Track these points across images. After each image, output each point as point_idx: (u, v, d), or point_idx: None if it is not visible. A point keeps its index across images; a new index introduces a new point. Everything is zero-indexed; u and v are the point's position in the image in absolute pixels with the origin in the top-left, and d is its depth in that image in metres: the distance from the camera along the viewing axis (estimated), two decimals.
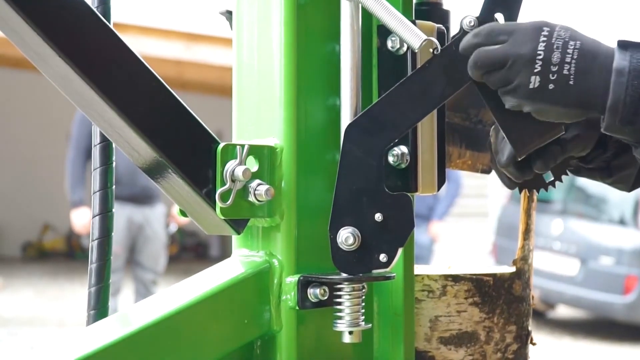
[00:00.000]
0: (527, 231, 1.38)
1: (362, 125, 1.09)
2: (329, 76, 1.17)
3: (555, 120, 1.09)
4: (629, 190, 1.34)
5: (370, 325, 1.17)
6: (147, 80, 1.06)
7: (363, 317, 1.13)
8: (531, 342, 1.37)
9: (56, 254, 16.62)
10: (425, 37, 1.09)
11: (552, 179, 1.25)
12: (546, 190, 1.25)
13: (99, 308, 1.30)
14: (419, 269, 1.29)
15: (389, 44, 1.18)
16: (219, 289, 1.11)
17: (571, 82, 1.04)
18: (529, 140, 1.12)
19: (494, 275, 1.32)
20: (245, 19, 1.20)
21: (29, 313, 10.35)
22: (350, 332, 1.12)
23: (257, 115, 1.18)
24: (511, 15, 1.11)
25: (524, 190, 1.30)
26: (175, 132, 1.08)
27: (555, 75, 1.05)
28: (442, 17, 1.24)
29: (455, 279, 1.29)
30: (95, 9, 1.08)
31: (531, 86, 1.05)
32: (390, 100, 1.10)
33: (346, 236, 1.07)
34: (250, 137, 1.17)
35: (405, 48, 1.16)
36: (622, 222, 9.54)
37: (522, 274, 1.35)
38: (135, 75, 1.05)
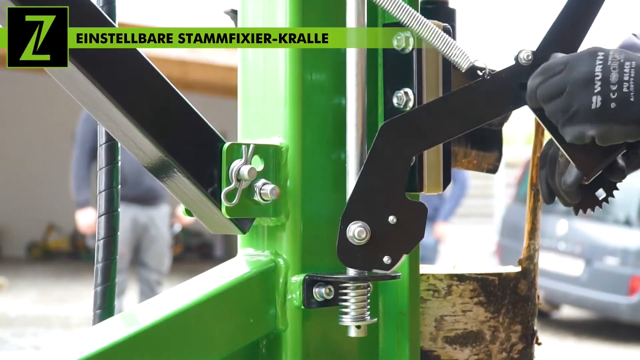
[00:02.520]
0: (532, 230, 1.38)
1: (398, 126, 1.09)
2: (334, 75, 1.17)
3: (618, 142, 1.09)
4: None
5: (375, 319, 1.17)
6: (153, 80, 1.06)
7: (369, 312, 1.13)
8: (537, 342, 1.37)
9: (61, 254, 16.63)
10: (474, 58, 1.11)
11: (604, 195, 1.25)
12: (600, 207, 1.26)
13: (105, 307, 1.30)
14: (424, 269, 1.29)
15: (395, 42, 1.18)
16: (225, 288, 1.11)
17: (632, 99, 1.05)
18: (596, 163, 1.14)
19: (499, 275, 1.32)
20: (250, 17, 1.20)
21: (33, 313, 10.35)
22: (358, 327, 1.12)
23: (262, 115, 1.18)
24: (569, 52, 1.12)
25: (530, 191, 1.31)
26: (181, 131, 1.08)
27: (616, 93, 1.05)
28: (448, 15, 1.24)
29: (461, 278, 1.29)
30: (100, 9, 1.08)
31: (593, 106, 1.06)
32: (431, 110, 1.11)
33: (358, 230, 1.07)
34: (256, 136, 1.17)
35: (410, 47, 1.16)
36: (627, 222, 9.53)
37: (527, 274, 1.35)
38: (141, 75, 1.05)
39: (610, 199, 1.25)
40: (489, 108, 1.12)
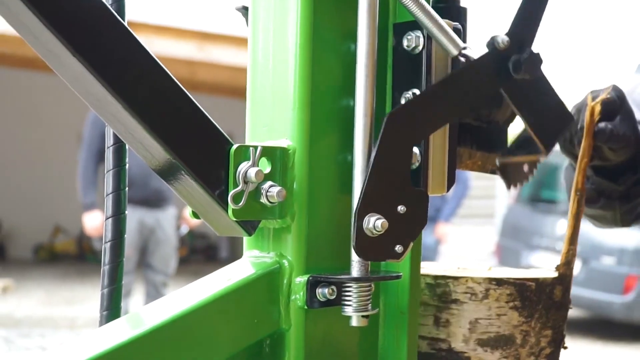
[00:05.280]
0: (573, 236, 1.38)
1: (403, 115, 1.11)
2: (344, 76, 1.17)
3: None
4: (629, 224, 1.59)
5: (377, 309, 1.19)
6: (161, 81, 1.06)
7: (370, 305, 1.14)
8: (563, 346, 1.37)
9: (67, 256, 16.66)
10: (463, 45, 1.15)
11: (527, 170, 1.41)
12: (527, 181, 1.41)
13: (112, 309, 1.30)
14: (464, 270, 1.33)
15: (405, 43, 1.18)
16: (230, 290, 1.11)
17: None
18: (555, 131, 1.28)
19: (536, 280, 1.32)
20: (261, 16, 1.20)
21: (40, 315, 10.37)
22: (365, 317, 1.13)
23: (270, 117, 1.18)
24: (534, 29, 1.22)
25: (574, 196, 1.41)
26: (189, 133, 1.08)
27: None
28: (458, 14, 1.24)
29: (499, 282, 1.29)
30: (109, 7, 1.07)
31: None
32: (426, 99, 1.14)
33: (381, 222, 1.08)
34: (263, 138, 1.18)
35: (420, 47, 1.16)
36: None
37: (564, 279, 1.35)
38: (150, 76, 1.05)
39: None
40: (475, 94, 1.17)
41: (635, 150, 1.48)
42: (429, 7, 1.13)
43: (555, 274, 1.35)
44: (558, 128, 1.29)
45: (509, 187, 1.40)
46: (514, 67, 1.17)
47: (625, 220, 1.60)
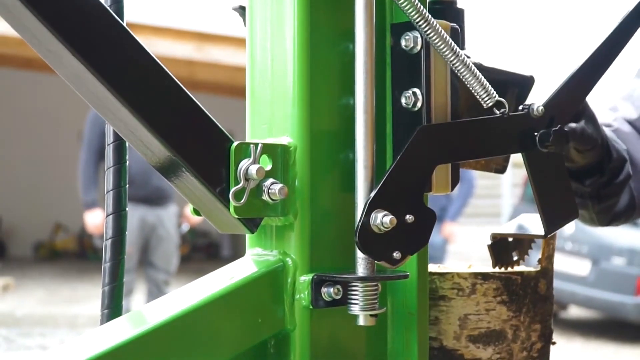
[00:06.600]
0: None
1: (434, 133, 1.13)
2: (343, 74, 1.17)
3: None
4: (606, 224, 1.55)
5: (385, 308, 1.18)
6: (161, 79, 1.06)
7: (377, 304, 1.13)
8: (552, 342, 1.38)
9: (68, 253, 16.69)
10: (497, 96, 1.16)
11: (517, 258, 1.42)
12: (512, 268, 1.40)
13: (113, 307, 1.30)
14: (440, 268, 1.30)
15: (403, 42, 1.18)
16: (233, 288, 1.10)
17: None
18: (559, 219, 1.29)
19: (521, 274, 1.33)
20: (258, 16, 1.20)
21: (40, 313, 10.38)
22: (373, 315, 1.13)
23: (270, 114, 1.18)
24: (575, 107, 1.28)
25: None
26: (189, 131, 1.08)
27: None
28: (456, 15, 1.24)
29: (485, 277, 1.30)
30: (108, 8, 1.07)
31: None
32: (459, 129, 1.16)
33: (389, 218, 1.08)
34: (264, 136, 1.17)
35: (419, 47, 1.16)
36: (633, 222, 9.53)
37: (546, 273, 1.37)
38: (149, 74, 1.05)
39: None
40: (500, 144, 1.20)
41: (600, 153, 1.50)
42: (472, 64, 1.14)
43: (538, 268, 1.36)
44: (563, 217, 1.31)
45: (494, 265, 1.40)
46: (540, 140, 1.20)
47: (602, 220, 1.62)
